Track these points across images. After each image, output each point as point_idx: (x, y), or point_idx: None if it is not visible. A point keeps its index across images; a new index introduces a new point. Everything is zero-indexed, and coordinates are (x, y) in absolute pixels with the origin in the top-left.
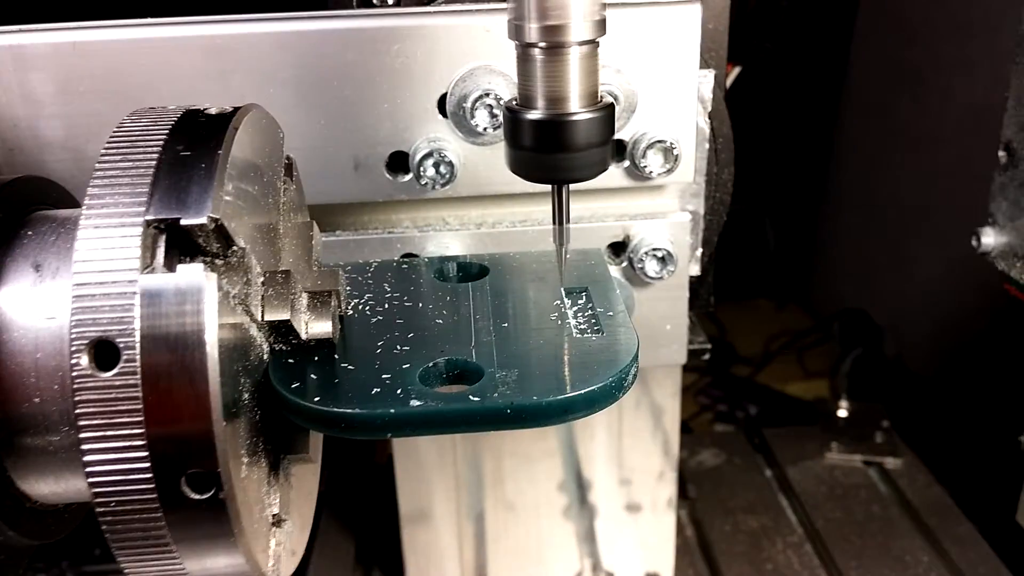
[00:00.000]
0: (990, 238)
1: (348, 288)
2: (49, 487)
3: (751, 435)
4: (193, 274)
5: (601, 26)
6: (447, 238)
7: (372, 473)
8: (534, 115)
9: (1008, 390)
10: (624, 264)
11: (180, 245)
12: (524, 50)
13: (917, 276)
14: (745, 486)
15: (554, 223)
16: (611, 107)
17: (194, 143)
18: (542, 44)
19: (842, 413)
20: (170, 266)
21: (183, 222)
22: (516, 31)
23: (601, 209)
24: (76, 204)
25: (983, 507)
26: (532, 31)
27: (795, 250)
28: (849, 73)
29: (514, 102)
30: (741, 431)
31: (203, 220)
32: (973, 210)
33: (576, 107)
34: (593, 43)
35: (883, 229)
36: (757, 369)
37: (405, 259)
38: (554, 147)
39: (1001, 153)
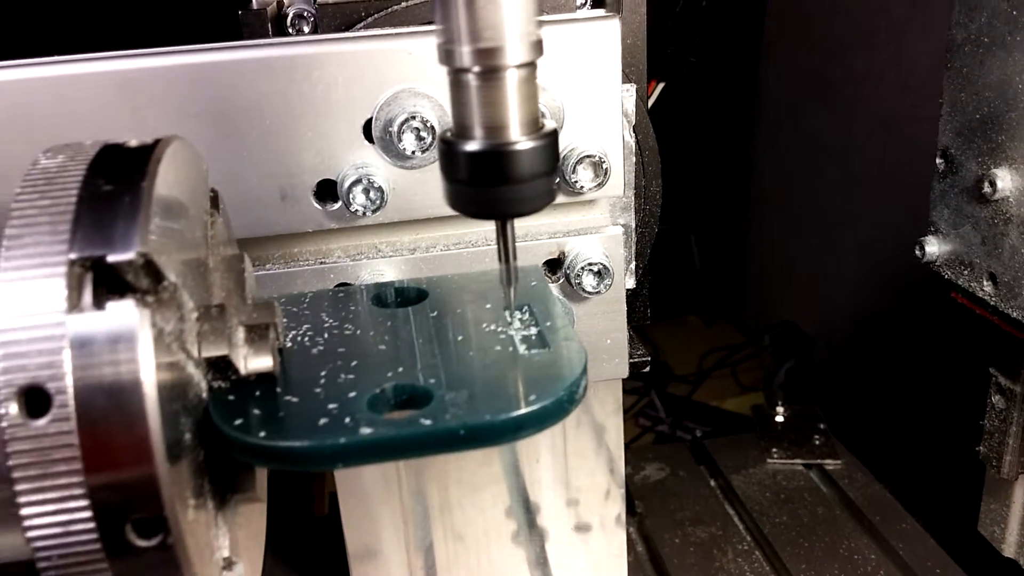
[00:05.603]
0: (934, 247)
1: (285, 320)
2: None
3: (693, 447)
4: (124, 312)
5: (538, 47)
6: (381, 265)
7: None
8: (472, 146)
9: (938, 388)
10: (561, 280)
11: (108, 283)
12: (456, 76)
13: (840, 283)
14: (691, 498)
15: (500, 261)
16: (555, 133)
17: (116, 177)
18: (476, 69)
19: (779, 419)
20: (99, 305)
21: (109, 259)
22: (447, 56)
23: (535, 227)
24: None
25: (924, 502)
26: (464, 55)
27: (721, 265)
28: (761, 85)
29: (448, 133)
30: (683, 444)
31: (131, 256)
32: (890, 215)
33: (518, 135)
34: (531, 65)
35: (805, 239)
36: (694, 387)
37: (340, 288)
38: (497, 180)
39: (939, 160)
